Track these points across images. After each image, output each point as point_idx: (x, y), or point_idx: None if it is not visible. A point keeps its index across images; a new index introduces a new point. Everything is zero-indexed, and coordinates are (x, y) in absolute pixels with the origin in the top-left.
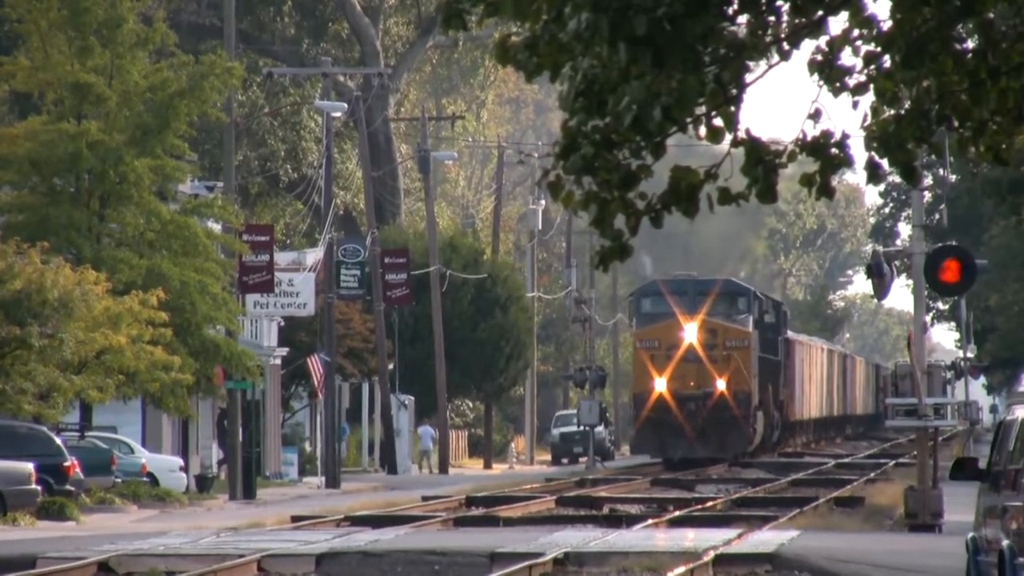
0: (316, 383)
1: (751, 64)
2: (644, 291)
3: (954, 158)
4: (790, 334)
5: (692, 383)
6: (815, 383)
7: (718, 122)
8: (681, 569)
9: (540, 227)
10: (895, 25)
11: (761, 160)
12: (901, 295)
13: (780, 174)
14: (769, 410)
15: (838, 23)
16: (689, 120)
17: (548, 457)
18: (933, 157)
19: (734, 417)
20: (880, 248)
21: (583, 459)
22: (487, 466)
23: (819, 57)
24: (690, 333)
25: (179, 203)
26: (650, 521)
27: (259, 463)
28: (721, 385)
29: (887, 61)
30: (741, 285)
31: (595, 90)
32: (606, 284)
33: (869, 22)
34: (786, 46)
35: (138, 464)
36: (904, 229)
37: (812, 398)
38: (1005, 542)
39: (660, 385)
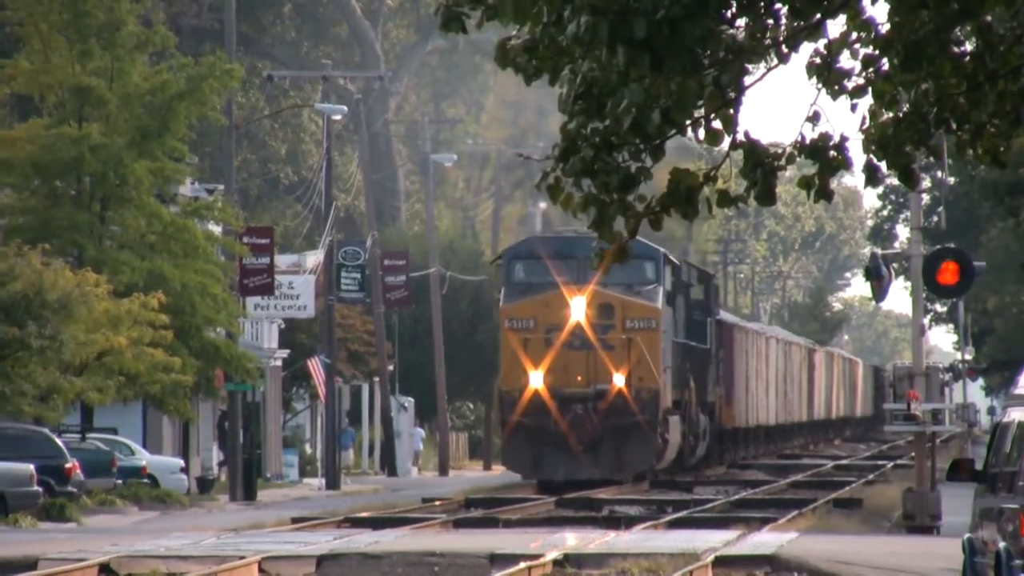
0: (317, 385)
1: (750, 67)
2: (516, 252)
3: (952, 160)
4: (727, 317)
5: (579, 377)
6: (767, 381)
7: (717, 125)
8: (680, 571)
9: (540, 229)
10: (893, 28)
11: (760, 163)
12: (899, 297)
13: (779, 176)
14: (691, 414)
15: (836, 26)
16: (688, 123)
17: None
18: (931, 160)
19: (636, 423)
20: (878, 250)
21: None
22: (487, 468)
23: (817, 60)
24: (577, 309)
25: (179, 205)
26: (649, 523)
27: (259, 465)
28: (619, 380)
29: (885, 64)
30: (648, 246)
31: (594, 93)
32: None
33: (867, 25)
34: (785, 49)
35: (139, 466)
36: (902, 231)
37: (764, 399)
38: (1001, 544)
39: (536, 380)
